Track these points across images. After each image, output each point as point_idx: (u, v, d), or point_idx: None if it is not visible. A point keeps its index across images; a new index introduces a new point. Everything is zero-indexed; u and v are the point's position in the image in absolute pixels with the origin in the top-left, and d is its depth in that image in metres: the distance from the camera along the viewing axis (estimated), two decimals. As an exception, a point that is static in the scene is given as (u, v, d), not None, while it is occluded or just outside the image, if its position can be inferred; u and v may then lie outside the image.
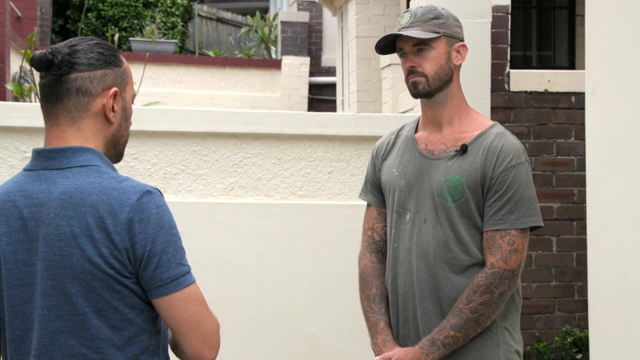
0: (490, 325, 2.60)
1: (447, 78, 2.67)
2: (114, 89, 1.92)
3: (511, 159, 2.60)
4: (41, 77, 1.92)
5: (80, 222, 1.82)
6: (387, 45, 2.73)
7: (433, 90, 2.66)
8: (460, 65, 2.72)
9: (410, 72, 2.67)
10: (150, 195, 1.86)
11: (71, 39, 1.95)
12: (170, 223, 1.88)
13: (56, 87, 1.89)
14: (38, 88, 1.94)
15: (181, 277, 1.86)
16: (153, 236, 1.83)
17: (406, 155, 2.73)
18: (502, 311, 2.62)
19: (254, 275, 4.31)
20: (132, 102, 2.02)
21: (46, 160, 1.90)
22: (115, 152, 1.98)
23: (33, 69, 1.91)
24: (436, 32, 2.64)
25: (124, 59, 1.98)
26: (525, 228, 2.60)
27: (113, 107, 1.92)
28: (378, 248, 2.80)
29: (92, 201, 1.83)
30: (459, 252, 2.61)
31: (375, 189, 2.83)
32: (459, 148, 2.64)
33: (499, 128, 2.69)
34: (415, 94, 2.69)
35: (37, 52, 1.89)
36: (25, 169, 1.93)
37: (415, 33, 2.62)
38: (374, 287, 2.75)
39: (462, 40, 2.72)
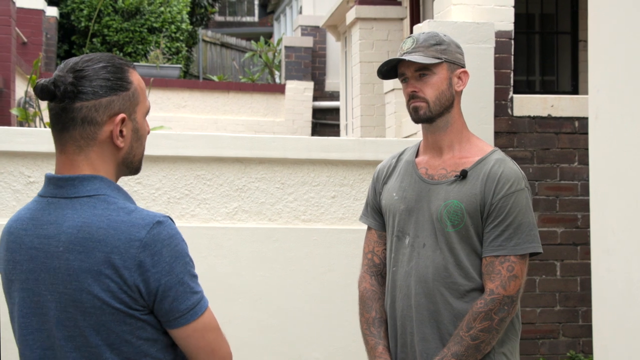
0: (488, 351, 2.61)
1: (449, 104, 2.69)
2: (121, 115, 1.88)
3: (510, 185, 2.61)
4: (48, 102, 1.89)
5: (89, 257, 1.80)
6: (389, 70, 2.74)
7: (434, 115, 2.67)
8: (461, 91, 2.73)
9: (411, 97, 2.68)
10: (161, 226, 1.83)
11: (78, 60, 1.88)
12: (183, 252, 1.85)
13: (61, 116, 1.86)
14: (48, 112, 1.91)
15: (197, 305, 1.86)
16: (168, 269, 1.82)
17: (406, 179, 2.74)
18: (500, 336, 2.63)
19: (258, 300, 4.30)
20: (146, 116, 1.97)
21: (55, 187, 1.88)
22: (129, 170, 1.96)
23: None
24: (438, 58, 2.66)
25: (133, 77, 1.92)
26: (524, 254, 2.60)
27: (122, 131, 1.89)
28: (378, 271, 2.81)
29: (100, 236, 1.80)
30: (459, 277, 2.62)
31: (375, 213, 2.84)
32: (458, 173, 2.65)
33: (499, 154, 2.70)
34: (416, 119, 2.70)
35: (41, 81, 1.85)
36: (38, 194, 1.92)
37: (418, 58, 2.64)
38: (373, 310, 2.76)
39: (463, 66, 2.74)
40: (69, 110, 1.85)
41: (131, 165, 1.95)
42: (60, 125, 1.87)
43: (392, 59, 2.69)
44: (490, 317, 2.55)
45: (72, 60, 1.90)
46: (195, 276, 1.88)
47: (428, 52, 2.66)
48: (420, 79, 2.66)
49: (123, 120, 1.89)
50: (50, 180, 1.90)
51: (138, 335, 1.82)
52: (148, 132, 1.99)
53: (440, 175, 2.69)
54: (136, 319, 1.82)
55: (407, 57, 2.65)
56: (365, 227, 2.91)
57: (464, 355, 2.56)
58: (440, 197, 2.64)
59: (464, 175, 2.63)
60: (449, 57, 2.68)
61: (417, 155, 2.79)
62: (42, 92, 1.84)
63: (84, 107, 1.85)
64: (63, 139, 1.88)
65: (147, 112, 1.97)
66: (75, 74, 1.86)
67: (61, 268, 1.82)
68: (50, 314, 1.84)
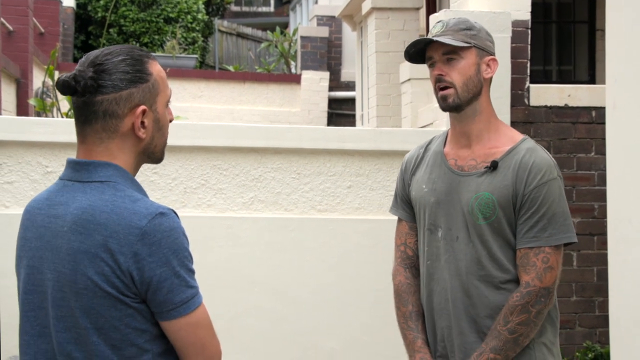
0: (527, 343, 2.57)
1: (476, 90, 2.63)
2: (142, 107, 1.91)
3: (543, 175, 2.56)
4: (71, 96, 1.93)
5: (88, 239, 1.83)
6: (416, 53, 2.69)
7: (463, 102, 2.61)
8: (490, 79, 2.67)
9: (437, 81, 2.62)
10: (162, 218, 1.85)
11: (98, 54, 1.92)
12: (182, 245, 1.87)
13: (83, 109, 1.90)
14: (71, 105, 1.95)
15: (191, 299, 1.87)
16: (164, 260, 1.83)
17: (435, 170, 2.70)
18: (539, 327, 2.59)
19: (273, 290, 4.32)
20: (168, 105, 1.99)
21: (72, 171, 1.93)
22: (150, 160, 1.99)
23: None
24: (467, 43, 2.61)
25: (152, 69, 1.95)
26: (559, 245, 2.56)
27: (143, 122, 1.92)
28: (412, 263, 2.77)
29: (102, 220, 1.83)
30: (493, 269, 2.57)
31: (405, 204, 2.79)
32: (489, 165, 2.59)
33: (530, 143, 2.64)
34: (444, 107, 2.64)
35: (62, 77, 1.89)
36: (59, 177, 1.98)
37: (446, 40, 2.58)
38: (409, 304, 2.72)
39: (493, 54, 2.68)
40: (90, 104, 1.89)
41: (153, 155, 1.98)
42: (83, 118, 1.91)
43: (421, 40, 2.64)
44: (528, 309, 2.52)
45: (93, 53, 1.93)
46: (192, 271, 1.89)
47: (457, 35, 2.60)
48: (448, 63, 2.61)
49: (144, 112, 1.92)
50: (69, 163, 1.95)
51: (127, 323, 1.84)
52: (171, 120, 2.01)
53: (470, 166, 2.64)
54: (127, 306, 1.83)
55: (435, 38, 2.60)
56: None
57: (502, 350, 2.52)
58: (471, 190, 2.60)
59: (494, 166, 2.58)
60: (478, 43, 2.63)
61: (444, 145, 2.74)
62: (63, 87, 1.88)
63: (104, 101, 1.89)
64: (85, 131, 1.93)
65: (168, 101, 1.99)
66: (96, 67, 1.89)
67: (62, 247, 1.86)
68: (48, 292, 1.88)
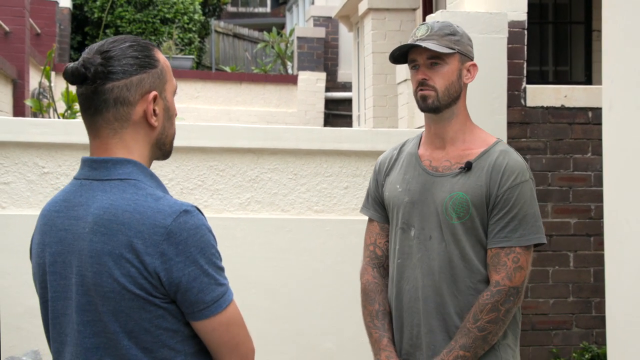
0: (495, 341, 2.62)
1: (456, 95, 2.68)
2: (153, 92, 1.84)
3: (516, 177, 2.62)
4: (78, 87, 1.85)
5: (112, 240, 1.76)
6: (401, 55, 2.73)
7: (442, 105, 2.67)
8: (467, 84, 2.73)
9: (420, 85, 2.67)
10: (187, 215, 1.79)
11: (103, 42, 1.85)
12: (209, 242, 1.82)
13: (93, 99, 1.82)
14: (78, 97, 1.87)
15: (222, 297, 1.81)
16: (192, 259, 1.77)
17: (410, 171, 2.74)
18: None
19: (270, 291, 4.32)
20: (174, 95, 1.93)
21: (89, 169, 1.85)
22: (161, 152, 1.92)
23: (66, 81, 1.85)
24: (451, 48, 2.65)
25: (159, 56, 1.89)
26: (529, 245, 2.62)
27: (154, 110, 1.85)
28: (380, 263, 2.81)
29: (125, 219, 1.76)
30: (464, 269, 2.62)
31: (377, 204, 2.84)
32: (463, 165, 2.65)
33: (503, 145, 2.71)
34: (423, 108, 2.69)
35: (70, 65, 1.81)
36: (74, 177, 1.90)
37: (433, 46, 2.62)
38: (376, 302, 2.76)
39: (472, 59, 2.74)
40: (100, 92, 1.81)
41: (164, 147, 1.91)
42: (93, 109, 1.83)
43: (406, 44, 2.68)
44: (497, 308, 2.57)
45: (97, 44, 1.86)
46: (221, 268, 1.84)
47: (442, 41, 2.65)
48: (432, 67, 2.66)
49: (155, 98, 1.85)
50: (85, 162, 1.87)
51: (157, 325, 1.78)
52: (175, 115, 1.95)
53: (444, 167, 2.69)
54: (157, 307, 1.77)
55: (422, 44, 2.64)
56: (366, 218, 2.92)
57: (471, 347, 2.57)
58: (445, 190, 2.65)
59: (468, 167, 2.64)
60: (461, 49, 2.68)
61: (418, 146, 2.79)
62: (72, 75, 1.80)
63: (115, 88, 1.81)
64: (96, 123, 1.84)
65: (174, 91, 1.93)
66: (103, 54, 1.82)
67: (85, 250, 1.79)
68: (72, 298, 1.81)
